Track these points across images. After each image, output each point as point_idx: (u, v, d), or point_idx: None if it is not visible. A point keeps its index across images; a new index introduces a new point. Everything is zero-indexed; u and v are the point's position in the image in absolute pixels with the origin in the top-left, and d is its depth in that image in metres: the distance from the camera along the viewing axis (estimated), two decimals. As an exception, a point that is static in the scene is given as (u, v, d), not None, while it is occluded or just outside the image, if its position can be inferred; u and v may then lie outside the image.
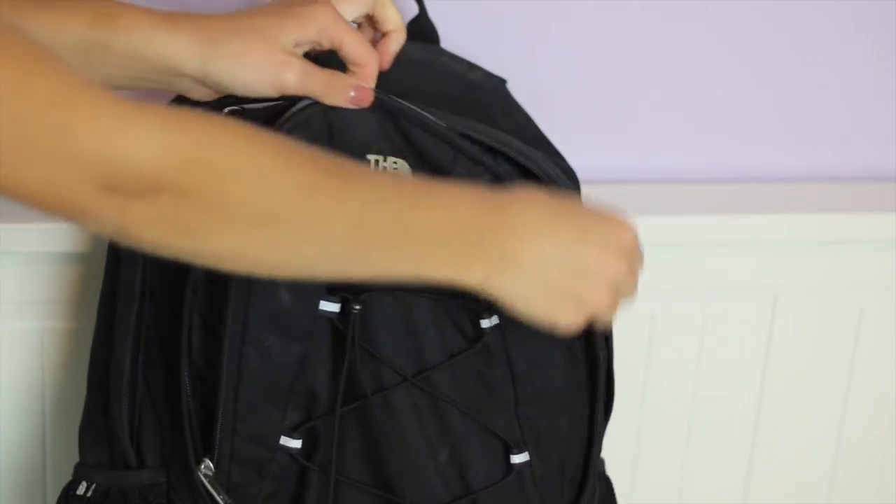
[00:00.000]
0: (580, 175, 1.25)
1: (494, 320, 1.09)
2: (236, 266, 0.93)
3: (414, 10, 1.26)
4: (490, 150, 1.10)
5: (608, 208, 1.03)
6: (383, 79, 1.19)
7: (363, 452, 1.08)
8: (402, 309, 1.07)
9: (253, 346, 1.04)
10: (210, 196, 0.85)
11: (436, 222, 0.96)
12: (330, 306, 1.05)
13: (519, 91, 1.27)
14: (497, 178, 1.08)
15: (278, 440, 1.06)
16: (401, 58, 1.19)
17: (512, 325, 1.07)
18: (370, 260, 0.95)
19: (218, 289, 1.04)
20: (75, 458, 1.14)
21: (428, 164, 1.08)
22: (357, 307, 1.05)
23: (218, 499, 1.04)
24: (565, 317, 1.01)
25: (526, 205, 0.99)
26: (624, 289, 1.03)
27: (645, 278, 1.35)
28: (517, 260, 0.98)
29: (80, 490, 1.09)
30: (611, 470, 1.26)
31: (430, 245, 0.96)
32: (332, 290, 1.06)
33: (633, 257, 1.04)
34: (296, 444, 1.06)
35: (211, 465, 1.04)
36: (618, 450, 1.32)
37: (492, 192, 0.99)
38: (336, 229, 0.92)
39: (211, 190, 0.85)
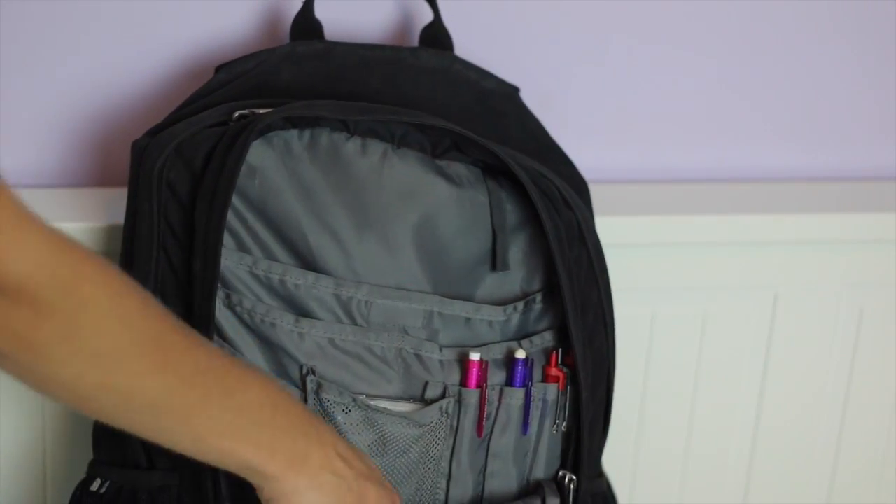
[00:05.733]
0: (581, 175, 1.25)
1: None
2: (62, 396, 0.91)
3: (429, 15, 1.26)
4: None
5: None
6: (395, 87, 1.19)
7: None
8: None
9: None
10: (68, 322, 0.84)
11: (254, 403, 0.95)
12: None
13: (522, 92, 1.27)
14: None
15: None
16: (413, 65, 1.19)
17: None
18: (192, 422, 0.93)
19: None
20: (76, 459, 1.14)
21: None
22: None
23: None
24: None
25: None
26: None
27: (645, 278, 1.36)
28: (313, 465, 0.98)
29: (94, 486, 1.11)
30: (611, 470, 1.26)
31: (244, 424, 0.95)
32: None
33: None
34: None
35: None
36: (618, 450, 1.32)
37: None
38: (171, 382, 0.90)
39: (71, 316, 0.84)
